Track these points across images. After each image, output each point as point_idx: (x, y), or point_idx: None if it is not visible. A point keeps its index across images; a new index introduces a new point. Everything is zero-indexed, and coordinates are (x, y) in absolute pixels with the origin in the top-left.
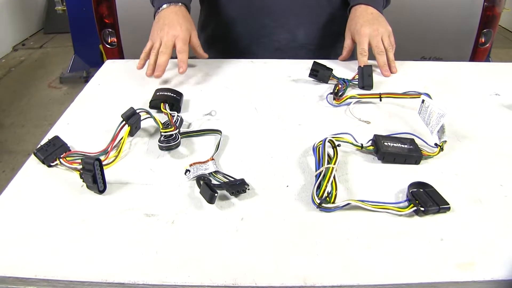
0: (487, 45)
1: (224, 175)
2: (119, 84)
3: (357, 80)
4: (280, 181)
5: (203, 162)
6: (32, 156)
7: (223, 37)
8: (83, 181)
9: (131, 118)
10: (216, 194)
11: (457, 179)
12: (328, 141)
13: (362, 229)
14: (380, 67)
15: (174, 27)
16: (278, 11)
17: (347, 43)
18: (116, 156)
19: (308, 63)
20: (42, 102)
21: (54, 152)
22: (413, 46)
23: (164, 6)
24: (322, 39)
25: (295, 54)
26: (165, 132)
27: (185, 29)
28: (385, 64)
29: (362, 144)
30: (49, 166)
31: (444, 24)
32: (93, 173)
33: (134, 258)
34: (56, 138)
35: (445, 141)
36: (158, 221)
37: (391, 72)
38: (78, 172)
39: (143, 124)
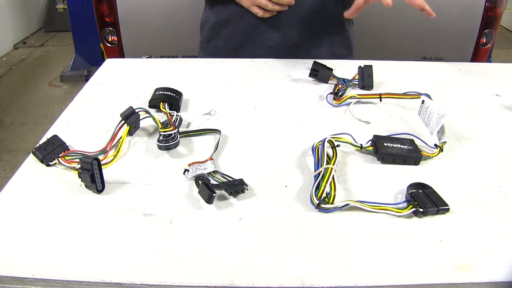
0: (488, 45)
1: (223, 175)
2: (119, 83)
3: (357, 80)
4: (279, 181)
5: (202, 162)
6: (31, 155)
7: (219, 34)
8: (81, 181)
9: (130, 118)
10: (214, 194)
11: (456, 180)
12: (328, 141)
13: (360, 230)
14: None
15: None
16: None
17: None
18: (115, 156)
19: (308, 63)
20: (42, 100)
21: (52, 151)
22: (414, 46)
23: None
24: (315, 39)
25: (288, 53)
26: (164, 131)
27: None
28: None
29: (361, 145)
30: (48, 165)
31: (445, 24)
32: (92, 173)
33: (132, 258)
34: (55, 137)
35: (445, 142)
36: (156, 221)
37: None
38: (77, 172)
39: (142, 123)
